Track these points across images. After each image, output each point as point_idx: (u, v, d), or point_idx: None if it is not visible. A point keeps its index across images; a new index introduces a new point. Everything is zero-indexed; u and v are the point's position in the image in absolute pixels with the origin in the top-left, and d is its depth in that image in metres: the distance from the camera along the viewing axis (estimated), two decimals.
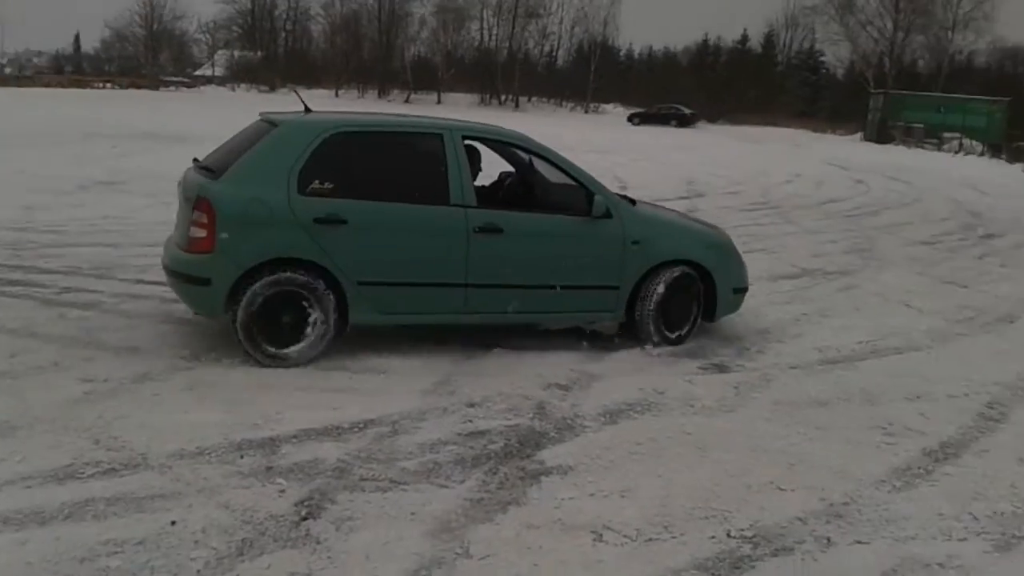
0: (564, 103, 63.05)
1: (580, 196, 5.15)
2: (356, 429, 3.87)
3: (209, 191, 4.59)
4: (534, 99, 63.55)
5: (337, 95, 60.77)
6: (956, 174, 22.39)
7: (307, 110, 5.21)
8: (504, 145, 5.46)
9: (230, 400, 4.12)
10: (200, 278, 4.61)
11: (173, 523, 2.94)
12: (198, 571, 2.68)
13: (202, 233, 4.56)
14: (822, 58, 63.72)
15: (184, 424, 3.79)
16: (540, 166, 5.37)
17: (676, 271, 5.32)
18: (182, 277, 4.73)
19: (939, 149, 32.78)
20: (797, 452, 3.91)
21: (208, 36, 70.25)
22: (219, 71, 65.40)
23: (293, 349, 4.61)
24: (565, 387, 4.60)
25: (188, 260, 4.67)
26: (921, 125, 36.93)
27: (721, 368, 5.10)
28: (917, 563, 3.01)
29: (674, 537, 3.07)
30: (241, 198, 4.58)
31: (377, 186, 4.84)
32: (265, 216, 4.56)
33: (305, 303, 4.60)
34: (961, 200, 16.04)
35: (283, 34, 70.98)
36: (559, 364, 4.95)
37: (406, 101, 59.55)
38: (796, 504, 3.38)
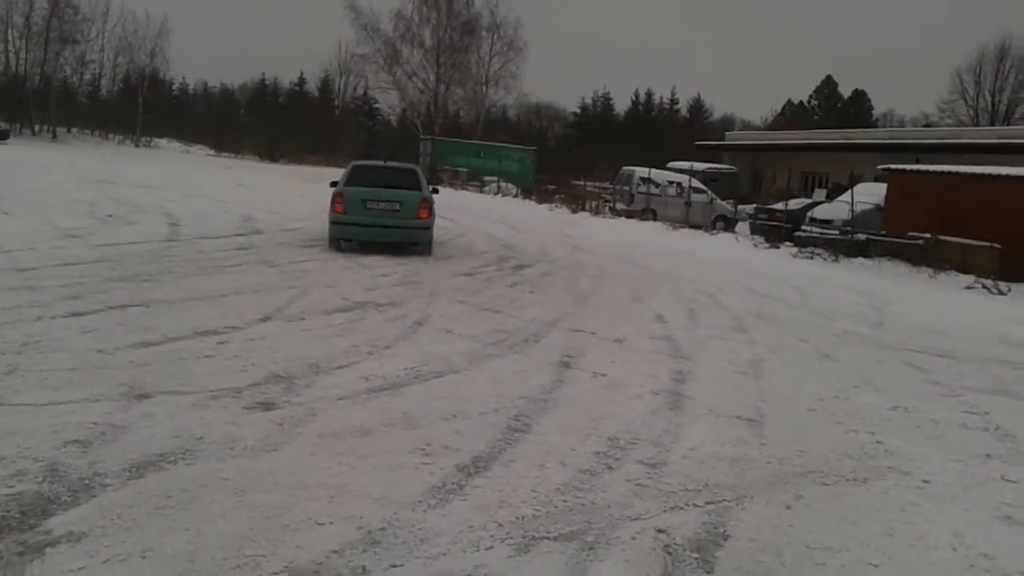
0: (111, 135, 58.40)
1: None
2: None
3: (427, 196, 13.02)
4: (75, 130, 57.83)
5: None
6: (495, 213, 24.82)
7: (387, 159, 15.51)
8: None
9: None
10: (427, 227, 12.93)
11: None
12: None
13: (426, 211, 12.78)
14: (376, 104, 66.96)
15: None
16: None
17: None
18: (419, 228, 12.81)
19: (481, 191, 36.13)
20: (338, 483, 3.87)
21: None
22: None
23: None
24: (85, 443, 4.08)
25: (420, 222, 12.77)
26: (466, 169, 40.50)
27: (267, 406, 4.92)
28: None
29: None
30: (431, 197, 13.21)
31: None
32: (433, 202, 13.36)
33: None
34: (498, 236, 17.77)
35: None
36: (80, 417, 4.39)
37: None
38: (334, 537, 3.33)
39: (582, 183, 32.59)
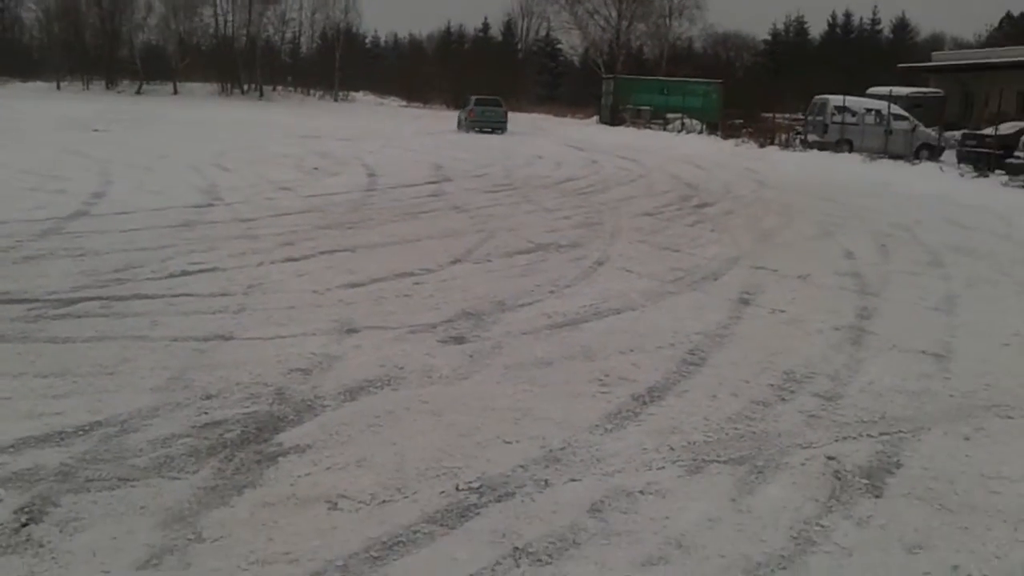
0: (311, 92, 61.77)
1: None
2: (81, 432, 3.73)
3: (505, 108, 33.06)
4: (279, 88, 61.71)
5: (59, 87, 55.86)
6: (678, 152, 24.50)
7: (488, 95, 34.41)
8: None
9: None
10: (505, 120, 32.24)
11: None
12: None
13: (505, 114, 32.49)
14: (559, 46, 66.90)
15: None
16: None
17: None
18: (503, 122, 31.84)
19: (664, 129, 35.54)
20: (523, 408, 4.25)
21: None
22: None
23: None
24: (306, 371, 4.67)
25: (504, 119, 32.19)
26: (648, 107, 39.82)
27: (459, 340, 5.38)
28: (621, 492, 3.41)
29: (406, 497, 3.27)
30: (506, 108, 33.52)
31: None
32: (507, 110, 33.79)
33: None
34: (680, 175, 17.61)
35: None
36: (300, 348, 5.01)
37: (138, 92, 55.87)
38: (519, 454, 3.70)
39: (771, 116, 31.31)
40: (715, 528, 3.15)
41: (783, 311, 6.47)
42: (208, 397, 4.22)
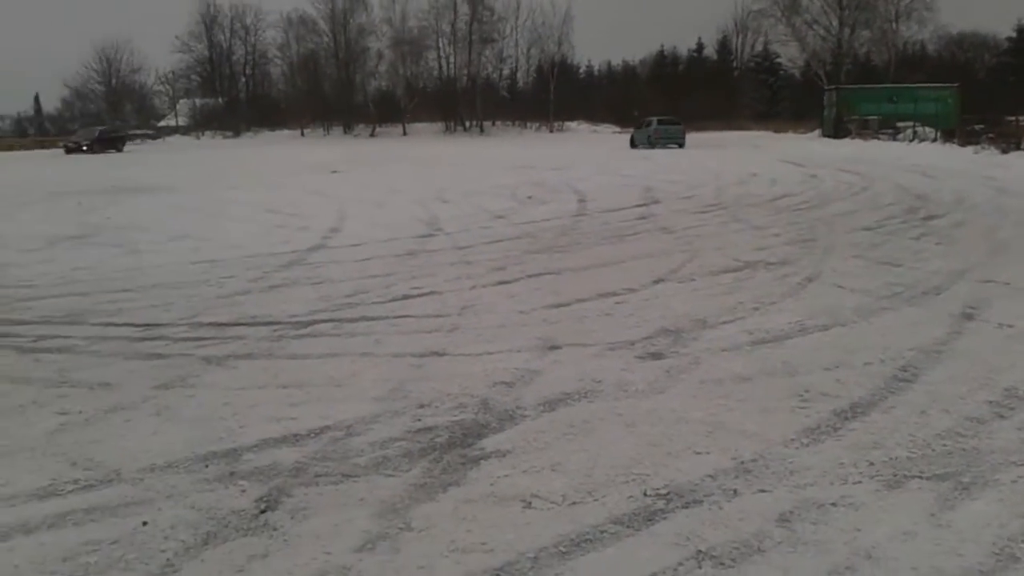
0: (528, 124, 63.75)
1: None
2: (312, 435, 4.22)
3: (682, 126, 37.59)
4: (498, 122, 64.19)
5: (303, 134, 61.28)
6: (907, 162, 23.04)
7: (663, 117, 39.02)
8: None
9: (195, 420, 4.47)
10: (683, 137, 36.66)
11: (144, 523, 3.29)
12: (168, 559, 3.03)
13: (683, 131, 37.16)
14: (777, 59, 64.87)
15: (154, 443, 4.13)
16: None
17: None
18: (682, 137, 36.38)
19: (894, 139, 33.52)
20: (716, 421, 4.29)
21: (168, 87, 70.75)
22: (182, 120, 65.73)
23: None
24: (509, 383, 4.97)
25: (682, 136, 36.65)
26: (875, 117, 37.76)
27: (656, 356, 5.48)
28: (812, 504, 3.39)
29: (596, 500, 3.44)
30: (683, 127, 38.63)
31: None
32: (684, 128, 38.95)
33: None
34: (908, 186, 16.59)
35: (243, 79, 71.33)
36: (505, 364, 5.33)
37: (372, 135, 60.15)
38: (709, 464, 3.76)
39: (1015, 120, 28.68)
40: (909, 541, 3.07)
41: (1011, 326, 6.02)
42: (422, 406, 4.61)
